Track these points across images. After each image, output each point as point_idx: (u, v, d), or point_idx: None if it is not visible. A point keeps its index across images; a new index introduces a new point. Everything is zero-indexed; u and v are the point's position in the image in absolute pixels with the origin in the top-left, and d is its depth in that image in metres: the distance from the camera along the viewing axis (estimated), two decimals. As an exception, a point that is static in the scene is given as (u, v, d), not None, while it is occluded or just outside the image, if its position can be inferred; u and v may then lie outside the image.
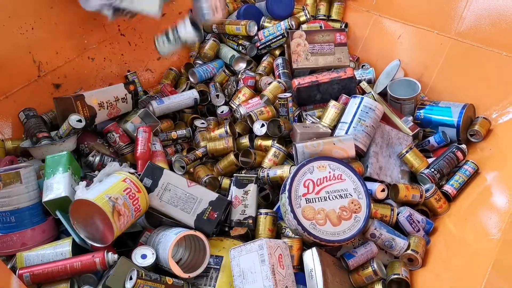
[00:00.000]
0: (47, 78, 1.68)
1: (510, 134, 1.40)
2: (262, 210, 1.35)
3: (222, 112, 1.71)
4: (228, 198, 1.38)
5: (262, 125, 1.56)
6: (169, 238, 1.20)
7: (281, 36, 1.83)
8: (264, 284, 1.10)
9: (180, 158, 1.53)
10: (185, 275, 1.17)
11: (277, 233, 1.36)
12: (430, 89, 1.72)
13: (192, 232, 1.22)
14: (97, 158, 1.48)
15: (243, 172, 1.51)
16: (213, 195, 1.32)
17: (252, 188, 1.37)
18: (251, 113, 1.59)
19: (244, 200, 1.36)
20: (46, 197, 1.27)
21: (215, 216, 1.28)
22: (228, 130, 1.59)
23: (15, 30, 1.57)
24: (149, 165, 1.31)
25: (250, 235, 1.36)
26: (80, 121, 1.47)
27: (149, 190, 1.28)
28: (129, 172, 1.31)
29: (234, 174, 1.42)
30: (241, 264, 1.17)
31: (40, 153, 1.44)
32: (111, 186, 1.19)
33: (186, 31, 1.60)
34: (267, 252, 1.13)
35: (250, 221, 1.33)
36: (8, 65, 1.56)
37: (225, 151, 1.56)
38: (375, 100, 1.57)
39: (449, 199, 1.38)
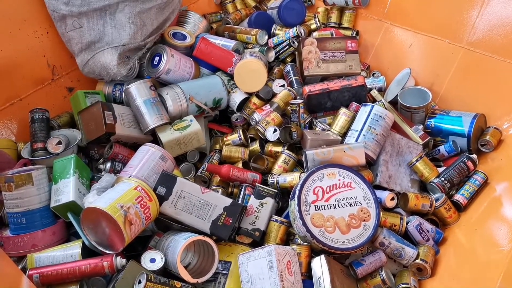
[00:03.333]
0: (61, 82, 1.70)
1: (521, 145, 1.40)
2: (278, 218, 1.35)
3: (237, 120, 1.72)
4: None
5: (275, 131, 1.56)
6: (178, 243, 1.20)
7: (288, 46, 1.83)
8: (272, 290, 1.10)
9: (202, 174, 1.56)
10: (194, 280, 1.18)
11: (286, 239, 1.36)
12: (441, 98, 1.71)
13: (201, 237, 1.22)
14: (108, 165, 1.48)
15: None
16: (228, 201, 1.31)
17: (269, 202, 1.37)
18: (258, 126, 1.59)
19: (258, 212, 1.36)
20: (54, 203, 1.29)
21: (230, 221, 1.28)
22: (242, 137, 1.60)
23: (30, 33, 1.60)
24: (162, 173, 1.32)
25: (258, 242, 1.35)
26: (59, 142, 1.47)
27: (164, 198, 1.28)
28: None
29: (256, 183, 1.43)
30: (250, 270, 1.18)
31: (39, 161, 1.44)
32: (123, 194, 1.18)
33: None
34: (276, 259, 1.13)
35: (257, 233, 1.33)
36: (23, 68, 1.59)
37: (238, 160, 1.56)
38: (385, 108, 1.57)
39: (460, 208, 1.38)
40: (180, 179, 1.31)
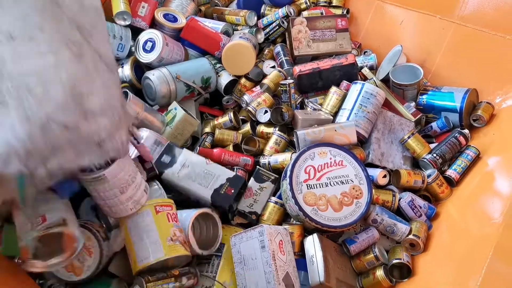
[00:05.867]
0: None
1: (513, 118, 1.39)
2: (276, 199, 1.34)
3: (228, 102, 1.71)
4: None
5: (266, 112, 1.55)
6: (186, 216, 1.22)
7: (277, 27, 1.81)
8: (265, 270, 1.11)
9: None
10: (199, 251, 1.19)
11: (281, 222, 1.36)
12: (432, 74, 1.70)
13: (206, 210, 1.25)
14: None
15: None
16: (231, 173, 1.35)
17: (268, 186, 1.37)
18: (249, 107, 1.58)
19: (256, 195, 1.36)
20: None
21: (232, 191, 1.30)
22: (233, 119, 1.59)
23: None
24: (168, 144, 1.36)
25: (254, 224, 1.35)
26: None
27: (168, 166, 1.32)
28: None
29: (257, 167, 1.42)
30: (242, 251, 1.18)
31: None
32: (159, 228, 1.12)
33: None
34: (267, 239, 1.13)
35: (254, 216, 1.33)
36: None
37: (230, 143, 1.55)
38: (376, 86, 1.56)
39: (452, 184, 1.38)
40: (185, 150, 1.35)
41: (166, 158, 1.33)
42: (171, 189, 1.33)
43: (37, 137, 0.80)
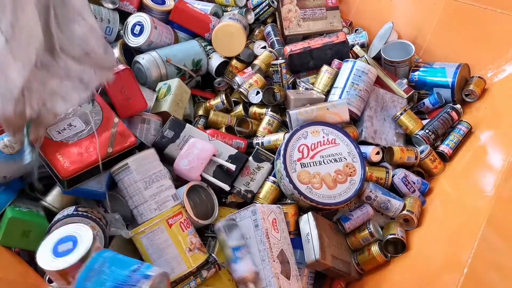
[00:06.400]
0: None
1: (505, 92, 1.39)
2: (273, 179, 1.34)
3: (219, 84, 1.69)
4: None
5: (258, 93, 1.54)
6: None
7: (267, 7, 1.79)
8: (259, 248, 1.11)
9: None
10: (196, 219, 1.20)
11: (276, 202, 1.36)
12: (424, 51, 1.69)
13: (197, 182, 1.26)
14: None
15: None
16: (233, 150, 1.35)
17: (266, 167, 1.37)
18: (240, 89, 1.57)
19: (254, 174, 1.35)
20: None
21: (233, 169, 1.30)
22: (225, 101, 1.58)
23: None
24: (171, 118, 1.36)
25: (249, 203, 1.35)
26: None
27: (171, 141, 1.32)
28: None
29: (257, 147, 1.42)
30: (237, 231, 1.18)
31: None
32: (176, 242, 1.12)
33: None
34: (260, 217, 1.13)
35: (249, 195, 1.33)
36: None
37: (223, 125, 1.55)
38: (368, 63, 1.55)
39: (445, 159, 1.38)
40: (188, 125, 1.35)
41: (169, 133, 1.33)
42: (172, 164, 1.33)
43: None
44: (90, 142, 1.16)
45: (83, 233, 0.95)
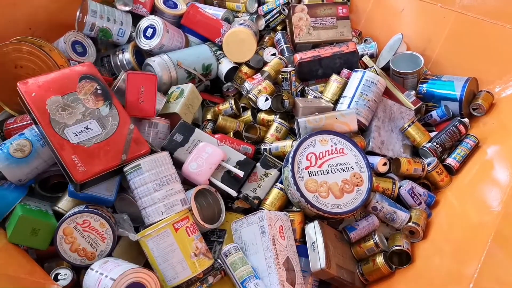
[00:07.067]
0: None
1: (513, 108, 1.40)
2: (281, 186, 1.34)
3: (228, 89, 1.70)
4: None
5: (266, 99, 1.55)
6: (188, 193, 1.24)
7: (278, 14, 1.80)
8: (265, 254, 1.12)
9: None
10: (202, 223, 1.21)
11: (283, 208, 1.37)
12: (433, 63, 1.70)
13: (205, 186, 1.27)
14: None
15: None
16: (241, 156, 1.36)
17: (274, 173, 1.37)
18: (249, 95, 1.58)
19: (261, 180, 1.36)
20: None
21: (241, 175, 1.31)
22: (234, 106, 1.59)
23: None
24: (181, 122, 1.37)
25: (255, 209, 1.36)
26: None
27: (180, 144, 1.33)
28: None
29: (265, 153, 1.43)
30: (243, 237, 1.19)
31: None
32: (182, 246, 1.13)
33: None
34: (267, 224, 1.14)
35: (256, 201, 1.33)
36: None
37: (232, 130, 1.55)
38: (377, 74, 1.56)
39: (452, 172, 1.39)
40: (198, 130, 1.37)
41: (178, 137, 1.34)
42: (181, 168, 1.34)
43: None
44: (105, 147, 1.17)
45: None
